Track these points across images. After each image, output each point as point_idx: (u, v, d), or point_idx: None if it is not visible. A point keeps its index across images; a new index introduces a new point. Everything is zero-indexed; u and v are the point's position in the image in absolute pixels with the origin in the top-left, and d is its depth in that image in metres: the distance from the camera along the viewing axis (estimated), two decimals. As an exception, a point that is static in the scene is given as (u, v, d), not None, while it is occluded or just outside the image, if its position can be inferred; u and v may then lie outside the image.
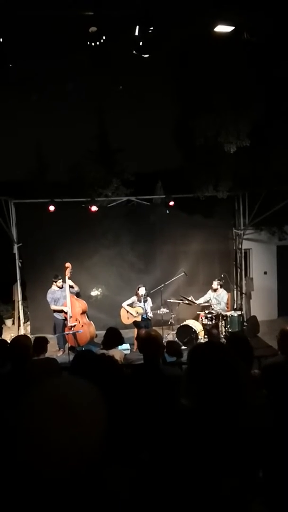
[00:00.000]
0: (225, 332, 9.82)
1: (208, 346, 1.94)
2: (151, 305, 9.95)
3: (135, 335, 9.51)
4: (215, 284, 10.27)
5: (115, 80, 8.79)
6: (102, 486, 1.07)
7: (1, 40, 5.78)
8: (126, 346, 9.06)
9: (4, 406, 2.93)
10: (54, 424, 0.96)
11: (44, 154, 15.22)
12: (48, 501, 0.95)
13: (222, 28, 6.56)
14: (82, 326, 9.46)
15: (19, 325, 11.64)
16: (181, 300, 10.33)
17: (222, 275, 10.70)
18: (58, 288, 9.83)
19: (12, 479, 0.96)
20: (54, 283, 9.86)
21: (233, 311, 10.27)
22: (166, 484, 1.67)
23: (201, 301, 10.39)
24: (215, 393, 1.60)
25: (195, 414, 1.67)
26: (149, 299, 9.92)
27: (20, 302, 11.66)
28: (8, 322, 11.77)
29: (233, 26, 6.49)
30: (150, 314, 9.74)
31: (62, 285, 9.76)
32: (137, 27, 6.14)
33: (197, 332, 9.64)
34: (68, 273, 9.52)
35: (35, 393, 1.05)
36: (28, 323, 11.98)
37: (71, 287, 9.64)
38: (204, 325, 9.85)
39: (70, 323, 9.40)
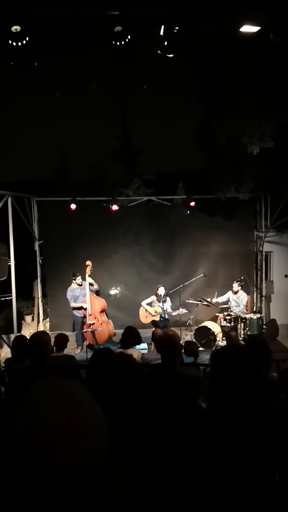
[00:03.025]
0: (243, 334, 9.74)
1: (233, 350, 1.93)
2: (171, 304, 9.96)
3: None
4: (235, 286, 10.17)
5: (139, 80, 8.79)
6: (106, 492, 1.03)
7: (27, 38, 5.84)
8: (144, 345, 9.06)
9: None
10: (53, 431, 0.92)
11: (66, 153, 15.31)
12: (49, 509, 0.91)
13: (248, 28, 6.50)
14: (101, 324, 9.48)
15: (38, 322, 11.77)
16: (200, 301, 10.27)
17: (242, 277, 10.59)
18: (78, 286, 9.88)
19: (12, 485, 0.92)
20: (73, 281, 9.92)
21: (252, 314, 10.17)
22: (179, 485, 1.66)
23: (219, 300, 10.32)
24: (238, 396, 1.59)
25: (214, 416, 1.66)
26: (168, 299, 9.94)
27: (40, 299, 11.79)
28: (28, 318, 11.88)
29: (259, 26, 6.42)
30: (173, 313, 9.77)
31: (82, 282, 9.81)
32: (162, 26, 6.13)
33: (216, 334, 9.57)
34: (88, 271, 9.55)
35: (29, 397, 1.00)
36: (48, 319, 12.10)
37: (91, 284, 9.66)
38: (222, 327, 9.78)
39: (89, 321, 9.44)
